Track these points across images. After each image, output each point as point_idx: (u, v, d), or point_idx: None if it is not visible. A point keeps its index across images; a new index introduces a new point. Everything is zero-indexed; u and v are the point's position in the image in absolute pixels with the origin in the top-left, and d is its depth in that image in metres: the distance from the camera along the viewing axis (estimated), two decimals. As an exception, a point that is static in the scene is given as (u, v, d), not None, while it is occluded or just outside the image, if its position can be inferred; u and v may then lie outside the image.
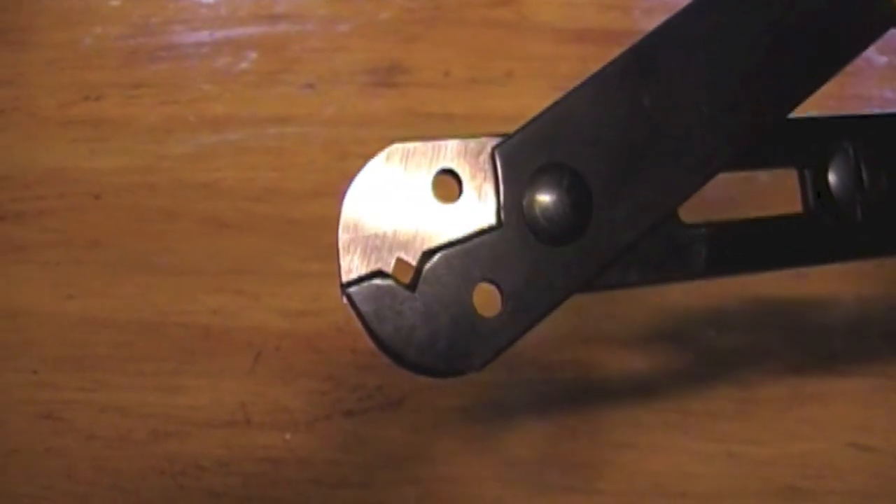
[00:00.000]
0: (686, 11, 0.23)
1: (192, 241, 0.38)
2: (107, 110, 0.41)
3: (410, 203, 0.21)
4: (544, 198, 0.22)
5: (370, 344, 0.21)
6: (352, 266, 0.21)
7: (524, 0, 0.43)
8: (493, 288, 0.21)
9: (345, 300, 0.21)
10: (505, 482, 0.34)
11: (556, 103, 0.22)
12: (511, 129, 0.22)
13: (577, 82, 0.22)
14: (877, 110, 0.26)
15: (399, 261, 0.21)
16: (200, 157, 0.40)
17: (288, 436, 0.35)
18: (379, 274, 0.21)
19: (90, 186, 0.39)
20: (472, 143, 0.22)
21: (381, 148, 0.20)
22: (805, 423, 0.35)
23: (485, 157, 0.22)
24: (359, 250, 0.21)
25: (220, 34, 0.42)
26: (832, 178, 0.25)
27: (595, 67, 0.42)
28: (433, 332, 0.21)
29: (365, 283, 0.21)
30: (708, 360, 0.36)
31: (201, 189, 0.39)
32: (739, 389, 0.35)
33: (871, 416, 0.35)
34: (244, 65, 0.42)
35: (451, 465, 0.34)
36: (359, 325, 0.21)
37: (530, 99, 0.40)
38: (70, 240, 0.38)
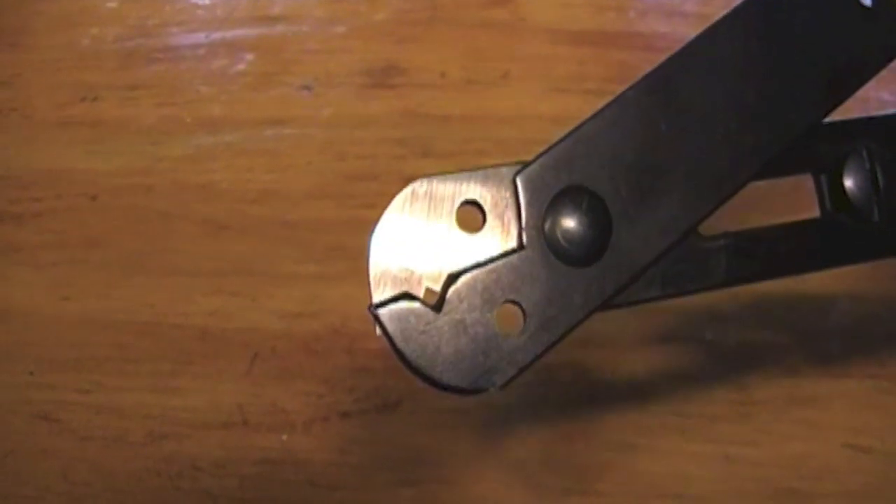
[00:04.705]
0: (700, 38, 0.24)
1: (189, 242, 0.38)
2: (103, 112, 0.41)
3: (436, 235, 0.22)
4: (564, 220, 0.22)
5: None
6: (382, 293, 0.21)
7: (520, 1, 0.43)
8: (515, 308, 0.22)
9: (373, 321, 0.21)
10: (502, 484, 0.34)
11: (575, 129, 0.23)
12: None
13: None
14: (885, 111, 0.26)
15: (426, 287, 0.22)
16: (197, 159, 0.40)
17: (285, 437, 0.35)
18: (406, 296, 0.21)
19: (87, 188, 0.39)
20: (493, 173, 0.22)
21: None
22: (802, 424, 0.35)
23: (506, 185, 0.22)
24: (389, 281, 0.22)
25: (217, 36, 0.42)
26: (847, 180, 0.26)
27: (591, 68, 0.42)
28: (457, 351, 0.21)
29: (392, 305, 0.21)
30: (705, 362, 0.36)
31: (198, 191, 0.39)
32: (736, 391, 0.35)
33: (867, 418, 0.35)
34: (241, 66, 0.42)
35: (449, 468, 0.34)
36: (387, 344, 0.21)
37: (527, 100, 0.41)
38: (67, 241, 0.38)
